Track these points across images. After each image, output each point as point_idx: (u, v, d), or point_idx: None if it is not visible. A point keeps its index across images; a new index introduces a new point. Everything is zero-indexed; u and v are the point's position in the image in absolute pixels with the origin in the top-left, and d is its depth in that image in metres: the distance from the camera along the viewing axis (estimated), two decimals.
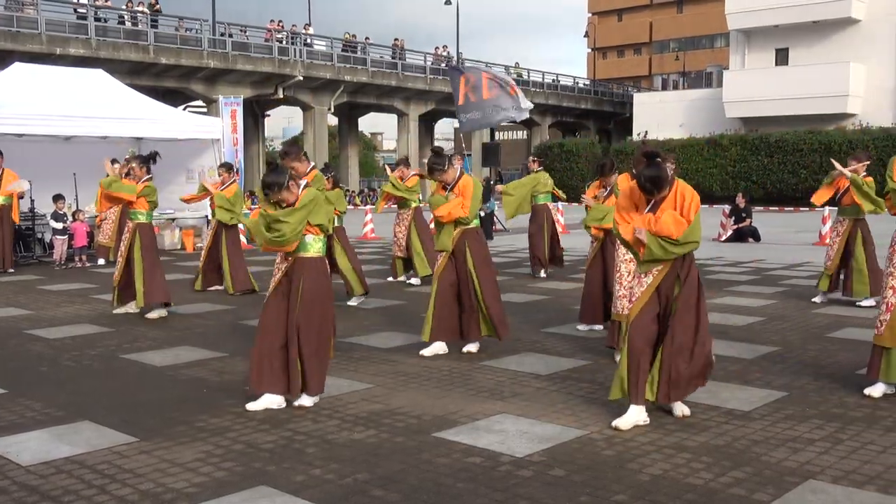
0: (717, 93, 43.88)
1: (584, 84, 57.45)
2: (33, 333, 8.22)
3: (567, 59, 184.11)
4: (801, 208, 32.63)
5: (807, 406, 5.41)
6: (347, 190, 39.84)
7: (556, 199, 13.20)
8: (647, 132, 43.11)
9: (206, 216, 11.50)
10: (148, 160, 9.36)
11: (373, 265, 14.17)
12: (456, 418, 5.18)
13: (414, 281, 11.72)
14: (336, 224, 9.51)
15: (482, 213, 13.43)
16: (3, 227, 13.40)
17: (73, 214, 14.70)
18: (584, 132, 55.67)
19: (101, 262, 14.65)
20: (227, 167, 11.49)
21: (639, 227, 4.97)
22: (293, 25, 39.09)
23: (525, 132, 60.01)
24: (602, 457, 4.45)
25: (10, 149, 14.29)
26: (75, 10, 30.85)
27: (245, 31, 36.51)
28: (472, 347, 7.12)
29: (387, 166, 13.21)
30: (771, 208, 33.19)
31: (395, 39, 43.17)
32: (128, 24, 31.92)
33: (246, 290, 10.95)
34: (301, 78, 37.21)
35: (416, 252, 11.69)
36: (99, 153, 15.01)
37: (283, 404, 5.49)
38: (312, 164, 8.98)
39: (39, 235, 15.32)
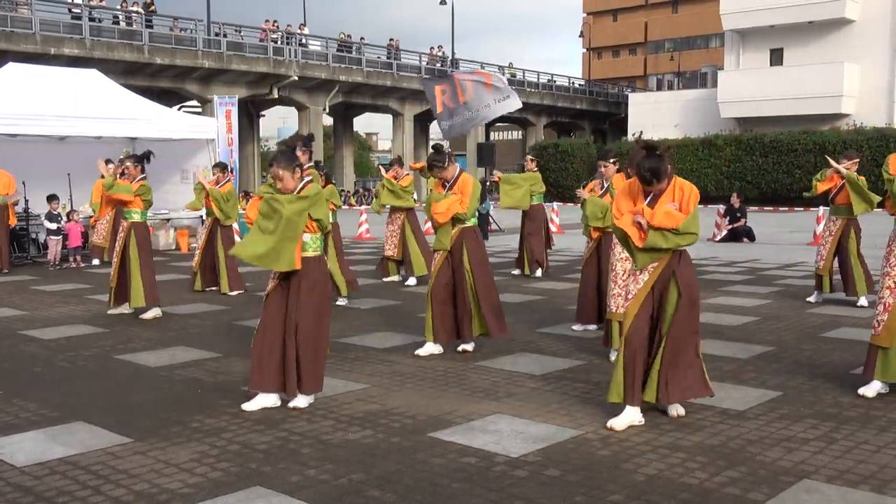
0: (711, 93, 43.96)
1: (579, 84, 57.53)
2: (27, 334, 8.20)
3: (563, 60, 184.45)
4: (796, 208, 32.70)
5: (801, 406, 5.42)
6: (342, 190, 39.83)
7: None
8: (641, 132, 42.79)
9: (201, 216, 11.47)
10: (142, 159, 9.35)
11: (368, 265, 14.17)
12: (451, 418, 5.18)
13: (410, 281, 11.73)
14: (331, 220, 9.53)
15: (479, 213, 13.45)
16: None
17: (68, 215, 14.67)
18: (579, 132, 55.73)
19: (96, 262, 14.62)
20: (221, 167, 11.48)
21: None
22: (288, 25, 39.10)
23: (520, 132, 60.09)
24: (597, 457, 4.46)
25: (3, 149, 14.29)
26: (70, 10, 30.81)
27: (240, 31, 36.50)
28: (467, 346, 7.13)
29: (381, 167, 13.21)
30: (765, 208, 33.24)
31: (391, 39, 43.19)
32: (122, 24, 31.89)
33: (241, 290, 10.95)
34: (296, 78, 37.21)
35: (412, 252, 11.72)
36: (93, 153, 14.98)
37: (279, 402, 5.49)
38: (311, 162, 9.01)
39: (34, 236, 15.30)
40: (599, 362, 6.73)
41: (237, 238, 12.71)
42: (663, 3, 70.61)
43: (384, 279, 12.15)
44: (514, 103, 14.89)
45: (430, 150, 7.37)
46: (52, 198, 14.36)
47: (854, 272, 9.45)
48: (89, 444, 4.72)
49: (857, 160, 9.55)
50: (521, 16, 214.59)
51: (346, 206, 39.54)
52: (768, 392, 5.74)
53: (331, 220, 9.50)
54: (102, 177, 10.76)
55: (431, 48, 45.78)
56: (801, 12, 40.04)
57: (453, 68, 45.01)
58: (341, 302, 9.84)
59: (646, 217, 4.93)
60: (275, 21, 38.27)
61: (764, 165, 36.30)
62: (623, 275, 6.79)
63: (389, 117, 46.90)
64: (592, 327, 8.02)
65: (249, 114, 42.70)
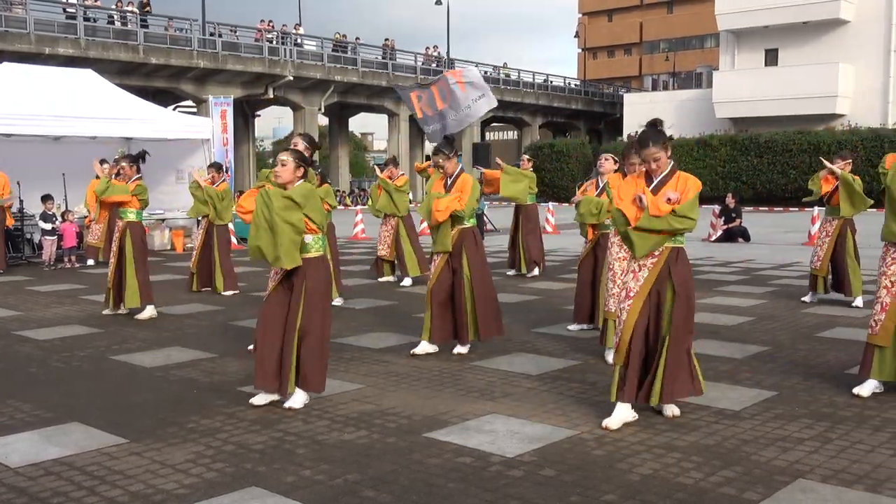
0: (706, 93, 44.03)
1: (575, 84, 57.58)
2: (22, 334, 8.18)
3: (561, 60, 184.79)
4: (791, 208, 32.76)
5: (796, 405, 5.43)
6: (338, 190, 39.78)
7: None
8: (636, 132, 43.20)
9: (197, 216, 11.44)
10: (137, 159, 9.34)
11: (363, 265, 14.17)
12: (447, 418, 5.18)
13: (406, 282, 11.73)
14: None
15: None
16: None
17: (63, 215, 14.64)
18: (574, 132, 55.77)
19: (91, 262, 14.60)
20: (216, 167, 11.47)
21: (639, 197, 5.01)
22: (283, 25, 39.08)
23: (516, 132, 60.10)
24: (592, 457, 4.46)
25: None
26: (64, 10, 30.75)
27: (235, 31, 36.46)
28: (462, 349, 7.12)
29: (376, 167, 13.23)
30: (760, 208, 33.29)
31: (386, 39, 43.17)
32: (117, 24, 31.83)
33: (235, 290, 10.95)
34: (291, 78, 37.18)
35: (406, 253, 11.74)
36: (88, 153, 14.96)
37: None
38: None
39: (28, 236, 15.25)
40: (595, 362, 6.74)
41: (233, 238, 12.70)
42: (658, 4, 70.70)
43: (379, 279, 12.15)
44: (489, 102, 15.02)
45: (442, 140, 7.39)
46: (46, 198, 14.33)
47: (850, 272, 9.47)
48: (84, 445, 4.71)
49: (851, 161, 9.58)
50: (517, 16, 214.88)
51: (341, 206, 39.54)
52: (763, 392, 5.75)
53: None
54: (97, 177, 10.74)
55: (427, 48, 45.79)
56: (796, 13, 40.11)
57: (448, 68, 45.05)
58: (336, 302, 9.84)
59: (647, 200, 4.95)
60: (270, 21, 38.24)
61: (759, 166, 36.36)
62: (621, 274, 6.79)
63: (385, 117, 46.87)
64: (587, 326, 8.03)
65: (245, 114, 42.66)
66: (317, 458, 4.48)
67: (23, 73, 16.80)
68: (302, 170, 5.49)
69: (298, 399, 5.45)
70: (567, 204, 10.02)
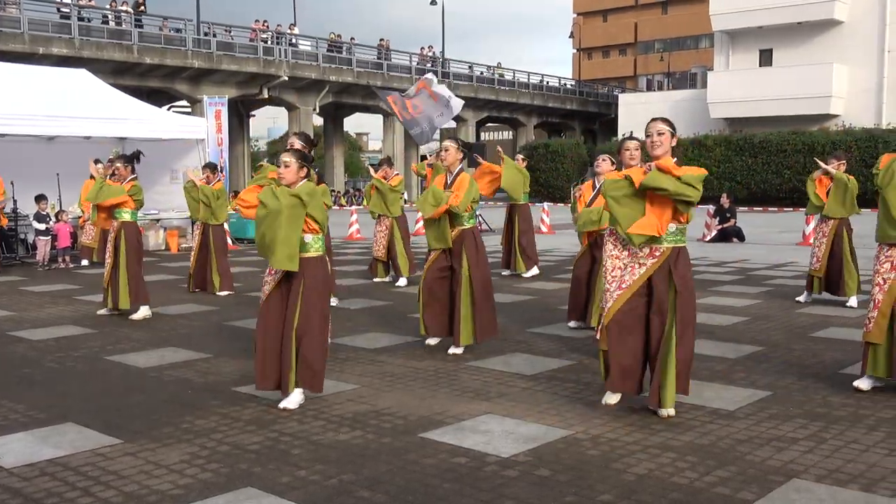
0: (701, 93, 44.09)
1: (570, 85, 57.62)
2: (16, 335, 8.16)
3: (556, 60, 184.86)
4: (785, 208, 32.83)
5: (791, 405, 5.44)
6: (333, 190, 39.78)
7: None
8: (632, 132, 43.06)
9: (196, 218, 11.42)
10: (132, 159, 9.32)
11: (358, 266, 14.17)
12: (442, 419, 5.18)
13: (401, 282, 11.73)
14: None
15: None
16: None
17: (57, 215, 14.61)
18: (569, 133, 55.81)
19: (85, 262, 14.57)
20: (211, 167, 11.46)
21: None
22: (278, 25, 39.03)
23: (511, 132, 60.12)
24: (587, 456, 4.47)
25: None
26: (58, 10, 30.67)
27: (230, 31, 36.40)
28: (457, 350, 7.12)
29: (370, 167, 13.24)
30: (755, 208, 33.36)
31: (381, 40, 43.14)
32: (111, 24, 31.76)
33: (231, 291, 10.94)
34: (286, 78, 37.14)
35: (399, 254, 11.76)
36: (82, 153, 14.93)
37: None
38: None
39: (22, 236, 15.22)
40: (590, 362, 6.74)
41: (228, 239, 12.69)
42: (653, 4, 70.78)
43: (374, 279, 12.16)
44: (456, 103, 15.30)
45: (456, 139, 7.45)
46: (40, 198, 14.29)
47: (846, 273, 9.50)
48: (79, 446, 4.70)
49: (845, 161, 9.62)
50: (512, 16, 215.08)
51: (336, 207, 39.53)
52: (758, 392, 5.76)
53: None
54: (92, 177, 10.71)
55: (422, 48, 45.77)
56: (791, 13, 40.19)
57: (443, 69, 45.05)
58: (332, 302, 9.84)
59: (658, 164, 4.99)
60: (265, 21, 38.19)
61: (753, 166, 36.43)
62: (612, 271, 6.79)
63: (380, 117, 46.85)
64: (582, 324, 8.07)
65: (239, 114, 42.61)
66: (312, 459, 4.47)
67: (17, 72, 16.77)
68: (305, 170, 5.50)
69: (294, 399, 5.44)
70: (562, 204, 10.01)
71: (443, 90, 15.61)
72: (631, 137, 6.52)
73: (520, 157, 13.55)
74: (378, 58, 42.23)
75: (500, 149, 12.45)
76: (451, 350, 7.12)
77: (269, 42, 37.22)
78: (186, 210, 14.83)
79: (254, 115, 47.97)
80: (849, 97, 39.78)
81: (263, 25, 37.77)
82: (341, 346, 7.49)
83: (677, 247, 5.11)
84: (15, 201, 14.65)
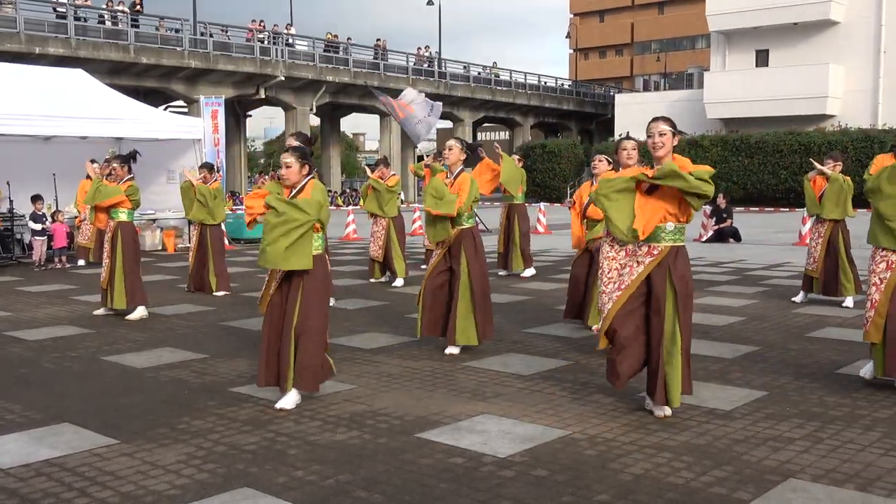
0: (697, 94, 44.13)
1: (566, 85, 57.64)
2: (12, 335, 8.15)
3: (552, 60, 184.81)
4: (781, 209, 32.86)
5: (787, 405, 5.45)
6: (329, 190, 39.77)
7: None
8: (628, 133, 43.11)
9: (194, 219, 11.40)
10: (128, 159, 9.30)
11: (355, 266, 14.17)
12: (439, 419, 5.18)
13: (397, 282, 11.73)
14: None
15: None
16: None
17: (53, 215, 14.59)
18: (566, 133, 55.82)
19: (81, 263, 14.56)
20: (208, 167, 11.45)
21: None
22: (275, 25, 39.01)
23: (507, 132, 60.12)
24: (584, 457, 4.47)
25: None
26: (55, 10, 30.63)
27: (226, 31, 36.37)
28: (453, 350, 7.12)
29: (366, 167, 13.26)
30: (751, 209, 33.39)
31: (378, 40, 43.12)
32: (108, 24, 31.72)
33: (227, 291, 10.94)
34: (283, 78, 37.12)
35: (395, 255, 11.76)
36: (79, 153, 14.92)
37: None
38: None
39: (18, 236, 15.19)
40: (587, 362, 6.75)
41: (225, 239, 12.69)
42: (649, 5, 70.84)
43: (370, 280, 12.16)
44: (437, 107, 15.59)
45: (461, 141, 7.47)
46: (36, 198, 14.27)
47: (842, 273, 9.51)
48: (75, 446, 4.69)
49: (841, 162, 9.65)
50: (510, 16, 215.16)
51: (333, 207, 39.50)
52: (754, 392, 5.77)
53: None
54: (88, 177, 10.70)
55: (418, 48, 45.77)
56: (787, 14, 40.24)
57: (440, 69, 45.06)
58: (329, 303, 9.84)
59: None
60: (261, 21, 38.17)
61: (750, 166, 36.47)
62: (609, 272, 6.81)
63: (376, 118, 46.82)
64: (579, 322, 8.10)
65: (236, 114, 42.57)
66: (309, 459, 4.47)
67: (13, 72, 16.74)
68: (307, 167, 5.50)
69: (290, 399, 5.44)
70: (559, 204, 10.02)
71: (420, 99, 15.90)
72: (628, 138, 6.53)
73: (516, 157, 13.55)
74: (375, 58, 42.22)
75: (497, 145, 12.45)
76: (448, 350, 7.12)
77: (266, 42, 37.20)
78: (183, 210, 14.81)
79: (250, 116, 47.92)
80: (845, 98, 39.84)
81: (260, 25, 37.74)
82: (338, 346, 7.48)
83: (676, 246, 5.12)
84: (11, 201, 14.63)
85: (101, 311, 9.32)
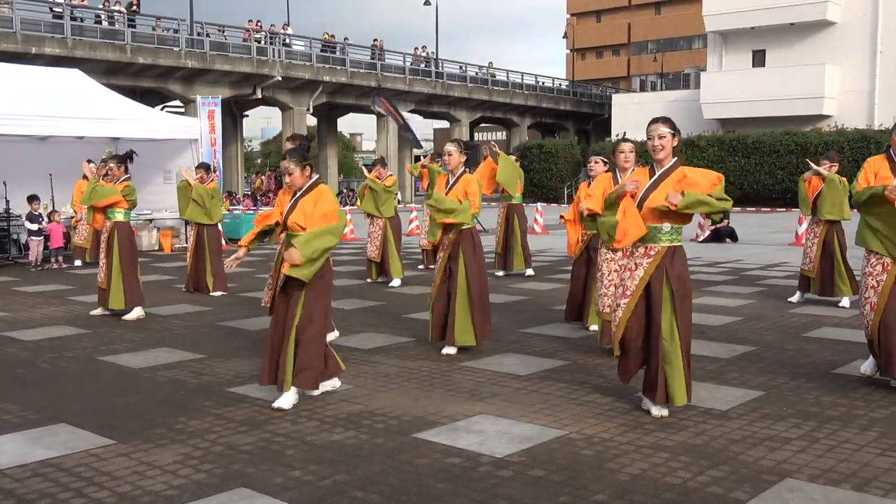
0: (694, 94, 44.14)
1: (563, 85, 57.65)
2: (9, 335, 8.14)
3: (549, 60, 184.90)
4: (778, 209, 32.89)
5: (784, 405, 5.45)
6: None
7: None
8: (625, 133, 43.19)
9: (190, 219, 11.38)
10: (125, 159, 9.29)
11: (352, 266, 14.16)
12: (436, 419, 5.18)
13: (394, 283, 11.73)
14: None
15: None
16: None
17: (49, 215, 14.56)
18: (563, 133, 55.81)
19: (78, 263, 14.53)
20: (204, 167, 11.43)
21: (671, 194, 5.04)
22: (272, 25, 38.93)
23: (504, 133, 60.11)
24: (581, 457, 4.47)
25: None
26: (51, 10, 30.56)
27: (223, 31, 36.31)
28: (450, 350, 7.12)
29: (364, 167, 13.25)
30: (748, 209, 33.42)
31: (375, 40, 43.09)
32: (104, 24, 31.67)
33: (224, 291, 10.93)
34: (280, 78, 37.07)
35: (391, 255, 11.76)
36: (75, 153, 14.90)
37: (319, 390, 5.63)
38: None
39: (15, 236, 15.17)
40: (584, 362, 6.75)
41: (222, 240, 12.66)
42: (646, 5, 70.85)
43: (367, 280, 12.16)
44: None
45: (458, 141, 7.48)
46: (33, 198, 14.24)
47: (837, 274, 9.53)
48: (72, 446, 4.69)
49: (837, 163, 9.66)
50: (507, 17, 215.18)
51: None
52: (750, 392, 5.78)
53: None
54: (85, 177, 10.67)
55: (416, 49, 45.73)
56: (784, 14, 40.26)
57: (437, 69, 45.05)
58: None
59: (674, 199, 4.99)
60: (258, 21, 38.10)
61: (746, 166, 36.48)
62: (609, 275, 6.85)
63: (373, 118, 46.77)
64: (578, 324, 8.11)
65: (233, 114, 42.50)
66: (306, 459, 4.47)
67: (9, 72, 16.71)
68: (308, 168, 5.50)
69: (287, 399, 5.45)
70: (556, 204, 10.03)
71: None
72: (625, 140, 6.55)
73: (512, 157, 13.56)
74: (372, 58, 42.17)
75: (494, 143, 12.45)
76: (445, 350, 7.12)
77: (263, 42, 37.14)
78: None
79: (247, 116, 47.86)
80: (841, 98, 39.87)
81: (257, 25, 37.69)
82: (335, 346, 7.48)
83: (672, 246, 5.16)
84: (7, 201, 14.60)
85: (97, 312, 9.31)
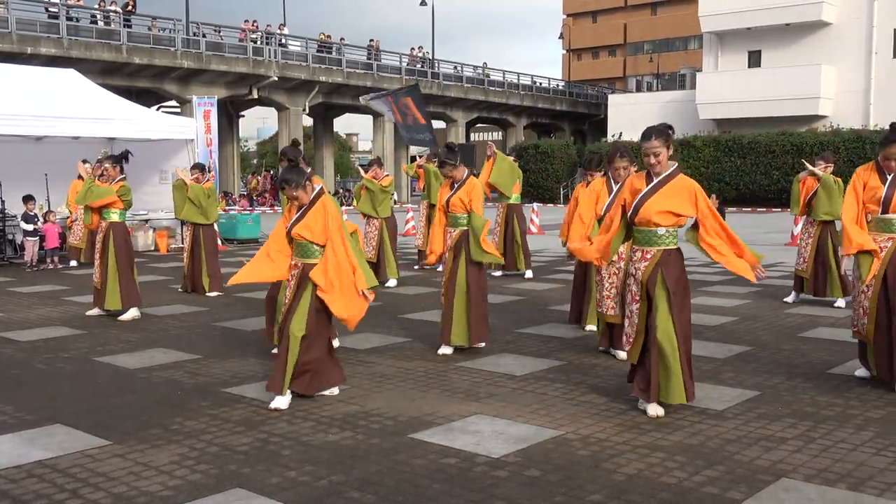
0: (690, 94, 44.18)
1: (560, 85, 57.67)
2: (4, 336, 8.12)
3: (546, 61, 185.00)
4: (774, 209, 32.94)
5: (779, 405, 5.46)
6: None
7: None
8: (621, 133, 43.36)
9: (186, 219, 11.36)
10: (120, 159, 9.27)
11: None
12: (432, 419, 5.18)
13: (391, 283, 11.73)
14: None
15: None
16: None
17: (45, 216, 14.54)
18: (559, 133, 55.85)
19: (73, 263, 14.51)
20: (200, 168, 11.41)
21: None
22: (268, 25, 38.90)
23: (500, 133, 60.13)
24: (577, 457, 4.48)
25: None
26: (47, 10, 30.50)
27: (219, 31, 36.27)
28: (446, 350, 7.12)
29: (360, 167, 13.26)
30: (744, 209, 33.47)
31: (371, 40, 43.08)
32: (100, 24, 31.62)
33: (220, 292, 10.91)
34: (276, 78, 37.05)
35: (387, 256, 11.77)
36: (71, 153, 14.87)
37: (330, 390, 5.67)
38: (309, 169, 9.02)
39: (10, 237, 15.14)
40: (580, 363, 6.76)
41: (218, 240, 12.65)
42: (642, 5, 70.92)
43: None
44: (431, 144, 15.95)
45: (443, 149, 7.46)
46: (28, 198, 14.21)
47: (829, 276, 9.55)
48: (67, 447, 4.68)
49: (832, 163, 9.68)
50: (503, 17, 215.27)
51: None
52: (746, 392, 5.79)
53: None
54: (80, 177, 10.65)
55: (412, 49, 45.73)
56: (779, 15, 40.31)
57: (433, 69, 45.05)
58: None
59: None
60: (254, 21, 38.07)
61: (742, 167, 36.54)
62: (609, 277, 6.86)
63: (370, 118, 46.77)
64: (577, 325, 8.13)
65: (229, 114, 42.46)
66: (302, 460, 4.47)
67: (4, 72, 16.68)
68: (308, 182, 5.55)
69: (284, 400, 5.45)
70: (552, 204, 10.04)
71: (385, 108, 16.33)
72: (622, 156, 6.60)
73: (511, 157, 13.58)
74: (368, 58, 42.16)
75: (491, 143, 12.47)
76: (441, 350, 7.12)
77: (259, 42, 37.11)
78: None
79: (243, 116, 47.84)
80: (837, 98, 39.93)
81: (253, 26, 37.66)
82: None
83: (668, 249, 5.20)
84: (3, 202, 14.57)
85: (93, 312, 9.29)
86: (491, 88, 48.33)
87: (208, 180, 11.27)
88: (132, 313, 9.13)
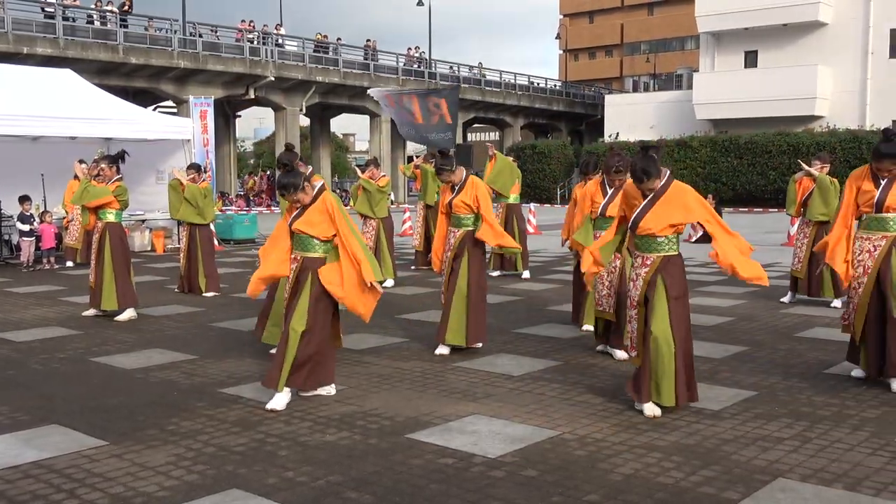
0: (687, 94, 44.22)
1: (556, 86, 57.70)
2: (0, 337, 8.11)
3: (543, 61, 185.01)
4: (770, 209, 32.98)
5: (776, 405, 5.47)
6: None
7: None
8: (618, 133, 43.38)
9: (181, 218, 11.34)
10: (116, 160, 9.25)
11: None
12: (429, 419, 5.18)
13: (388, 283, 11.72)
14: None
15: None
16: None
17: (41, 216, 14.51)
18: (556, 133, 55.87)
19: (70, 263, 14.48)
20: (196, 168, 11.39)
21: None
22: (264, 25, 38.87)
23: (497, 133, 60.15)
24: (574, 457, 4.48)
25: None
26: (43, 10, 30.46)
27: (216, 32, 36.24)
28: (443, 350, 7.12)
29: (356, 167, 13.26)
30: (740, 209, 33.51)
31: (368, 40, 43.07)
32: (97, 24, 31.58)
33: (217, 292, 10.90)
34: (272, 78, 37.02)
35: (383, 257, 11.77)
36: (67, 154, 14.85)
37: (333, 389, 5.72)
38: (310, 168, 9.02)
39: (6, 237, 15.11)
40: (577, 363, 6.76)
41: (214, 240, 12.65)
42: (639, 6, 70.97)
43: None
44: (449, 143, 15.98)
45: (437, 155, 7.44)
46: (24, 199, 14.19)
47: (824, 276, 9.56)
48: (64, 448, 4.67)
49: (829, 164, 9.70)
50: (500, 17, 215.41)
51: None
52: (743, 392, 5.79)
53: None
54: (76, 178, 10.63)
55: (409, 49, 45.73)
56: (776, 15, 40.36)
57: (430, 69, 45.05)
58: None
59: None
60: (251, 21, 38.04)
61: (738, 167, 36.57)
62: (607, 276, 6.87)
63: (366, 118, 46.74)
64: (575, 326, 8.15)
65: (225, 114, 42.42)
66: (299, 460, 4.47)
67: (0, 72, 16.64)
68: (307, 184, 5.56)
69: (281, 400, 5.45)
70: (549, 205, 10.05)
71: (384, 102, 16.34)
72: (617, 170, 6.61)
73: (510, 158, 13.60)
74: (365, 58, 42.15)
75: (490, 144, 12.49)
76: (438, 350, 7.12)
77: (256, 42, 37.09)
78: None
79: (240, 116, 47.77)
80: (833, 99, 40.00)
81: (249, 26, 37.63)
82: None
83: (667, 255, 5.25)
84: None
85: (90, 313, 9.28)
86: (488, 89, 48.34)
87: (204, 180, 11.25)
88: (128, 314, 9.12)
